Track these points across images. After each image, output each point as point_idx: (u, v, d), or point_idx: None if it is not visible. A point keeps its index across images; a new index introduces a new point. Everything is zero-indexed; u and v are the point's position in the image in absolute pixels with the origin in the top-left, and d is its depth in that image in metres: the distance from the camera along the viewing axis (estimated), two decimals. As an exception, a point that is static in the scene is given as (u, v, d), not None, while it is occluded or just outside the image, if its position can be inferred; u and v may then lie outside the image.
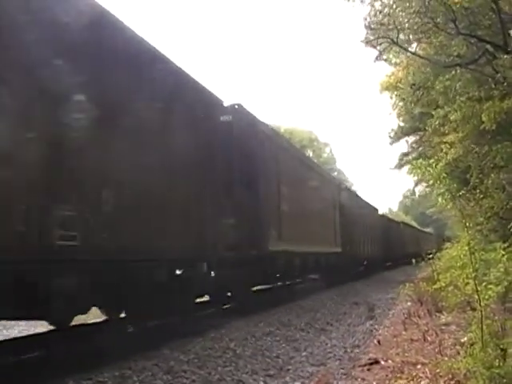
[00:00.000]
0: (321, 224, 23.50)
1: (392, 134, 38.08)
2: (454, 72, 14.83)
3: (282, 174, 17.66)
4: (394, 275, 36.52)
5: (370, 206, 43.73)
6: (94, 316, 12.61)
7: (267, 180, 16.05)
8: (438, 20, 13.38)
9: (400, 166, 42.83)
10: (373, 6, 15.16)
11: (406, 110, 28.35)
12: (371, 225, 39.20)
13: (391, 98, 28.14)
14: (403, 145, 39.96)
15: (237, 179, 14.23)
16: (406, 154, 39.90)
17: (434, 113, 18.28)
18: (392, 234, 49.98)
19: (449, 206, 10.27)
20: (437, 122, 18.14)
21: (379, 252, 41.03)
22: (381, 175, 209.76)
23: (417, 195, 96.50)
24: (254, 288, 17.22)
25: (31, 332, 11.76)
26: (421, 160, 8.96)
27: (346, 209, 30.27)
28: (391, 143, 38.90)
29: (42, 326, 10.77)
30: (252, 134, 15.13)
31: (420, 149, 33.17)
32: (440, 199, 10.07)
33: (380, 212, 54.13)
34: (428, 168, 8.41)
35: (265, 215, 15.68)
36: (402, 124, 35.83)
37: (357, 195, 41.87)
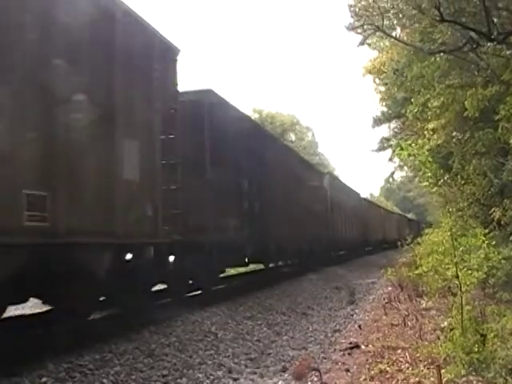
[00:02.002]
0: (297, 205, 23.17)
1: (376, 119, 38.14)
2: (432, 59, 14.83)
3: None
4: (374, 260, 36.75)
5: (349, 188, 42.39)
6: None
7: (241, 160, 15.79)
8: (423, 6, 13.35)
9: (381, 148, 42.92)
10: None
11: (389, 95, 28.39)
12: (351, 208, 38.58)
13: (374, 81, 28.16)
14: (385, 130, 40.04)
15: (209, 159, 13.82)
16: (387, 139, 39.97)
17: (413, 100, 18.31)
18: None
19: (433, 190, 10.31)
20: (416, 110, 18.16)
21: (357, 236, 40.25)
22: (363, 160, 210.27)
23: (398, 181, 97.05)
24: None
25: (11, 314, 11.68)
26: (408, 142, 8.97)
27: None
28: (373, 127, 38.97)
29: (22, 309, 10.71)
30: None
31: (401, 135, 33.23)
32: (425, 183, 10.11)
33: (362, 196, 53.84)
34: (415, 151, 8.43)
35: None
36: (384, 109, 35.89)
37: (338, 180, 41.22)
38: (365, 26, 16.02)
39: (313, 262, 25.44)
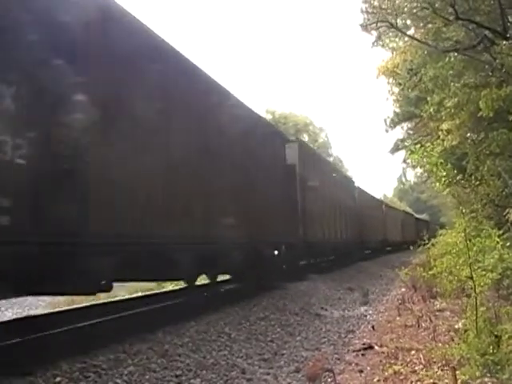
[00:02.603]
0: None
1: (388, 121, 37.97)
2: (447, 59, 14.78)
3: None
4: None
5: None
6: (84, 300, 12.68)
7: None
8: (437, 5, 13.31)
9: (396, 149, 42.77)
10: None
11: (403, 96, 28.29)
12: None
13: (388, 83, 28.05)
14: (399, 131, 39.87)
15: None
16: (401, 140, 39.83)
17: (428, 99, 18.24)
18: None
19: (445, 192, 10.25)
20: (431, 109, 18.11)
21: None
22: (376, 161, 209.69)
23: (412, 181, 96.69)
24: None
25: (25, 314, 11.76)
26: (418, 146, 8.94)
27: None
28: (387, 130, 38.79)
29: (36, 309, 10.76)
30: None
31: (416, 136, 33.09)
32: (438, 185, 10.07)
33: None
34: (425, 154, 8.41)
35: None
36: (397, 110, 35.74)
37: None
38: (379, 24, 15.98)
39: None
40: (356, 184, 38.17)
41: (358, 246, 34.29)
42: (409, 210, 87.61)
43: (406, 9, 14.74)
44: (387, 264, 32.59)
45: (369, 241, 38.21)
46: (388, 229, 47.31)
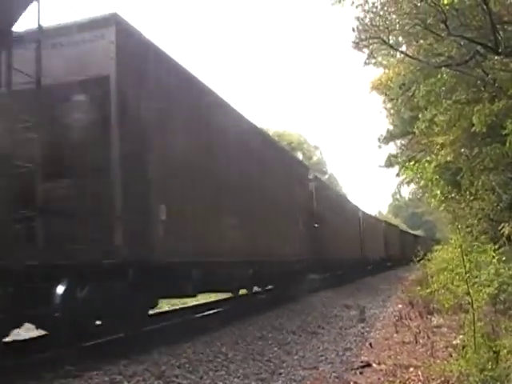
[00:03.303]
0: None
1: (381, 139, 38.15)
2: (439, 75, 14.85)
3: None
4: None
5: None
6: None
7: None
8: (429, 21, 13.38)
9: (389, 165, 42.90)
10: (363, 7, 15.14)
11: (396, 112, 28.40)
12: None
13: (381, 96, 28.19)
14: (392, 147, 40.01)
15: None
16: (394, 156, 39.94)
17: (420, 116, 18.32)
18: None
19: (441, 208, 10.23)
20: (423, 126, 18.20)
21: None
22: (371, 178, 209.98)
23: (406, 197, 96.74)
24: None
25: (25, 337, 11.65)
26: (412, 162, 8.95)
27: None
28: (380, 146, 38.96)
29: (33, 331, 10.66)
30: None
31: (409, 152, 33.19)
32: (433, 201, 10.09)
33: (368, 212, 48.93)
34: (419, 170, 8.41)
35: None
36: (391, 127, 35.91)
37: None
38: (371, 41, 16.05)
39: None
40: (360, 208, 41.40)
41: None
42: (404, 226, 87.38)
43: (397, 26, 14.81)
44: (384, 280, 33.80)
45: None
46: (366, 242, 39.68)
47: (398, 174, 42.25)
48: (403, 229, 74.18)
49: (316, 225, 23.36)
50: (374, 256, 42.27)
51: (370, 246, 40.18)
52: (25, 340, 10.01)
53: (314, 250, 22.11)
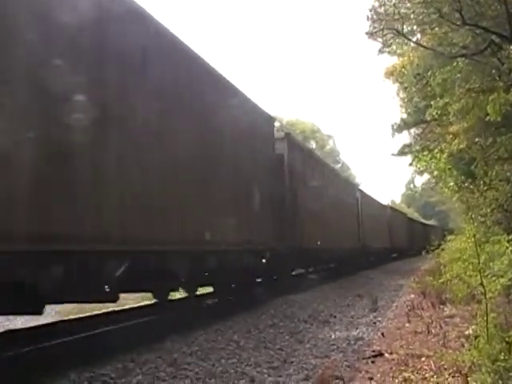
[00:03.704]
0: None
1: (395, 127, 37.86)
2: (454, 64, 14.75)
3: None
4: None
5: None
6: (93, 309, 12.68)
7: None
8: (444, 10, 13.28)
9: (402, 153, 42.55)
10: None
11: (410, 101, 28.24)
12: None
13: (395, 84, 28.01)
14: (406, 136, 39.73)
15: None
16: (408, 145, 39.68)
17: (432, 103, 18.21)
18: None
19: (454, 198, 10.20)
20: (435, 112, 18.11)
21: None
22: (385, 168, 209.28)
23: (419, 187, 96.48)
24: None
25: (34, 324, 11.73)
26: (425, 152, 8.92)
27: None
28: (393, 135, 38.63)
29: (44, 318, 10.73)
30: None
31: (423, 141, 33.02)
32: (446, 190, 10.05)
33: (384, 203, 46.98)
34: (432, 160, 8.37)
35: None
36: (404, 116, 35.68)
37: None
38: (385, 31, 15.96)
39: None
40: (359, 187, 37.12)
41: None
42: (416, 215, 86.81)
43: (412, 15, 14.70)
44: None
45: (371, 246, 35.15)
46: (366, 231, 34.09)
47: (411, 164, 41.94)
48: (412, 217, 70.00)
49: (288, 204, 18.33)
50: (375, 246, 37.21)
51: (370, 235, 35.00)
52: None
53: (284, 237, 17.30)
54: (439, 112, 17.93)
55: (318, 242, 21.96)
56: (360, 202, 34.05)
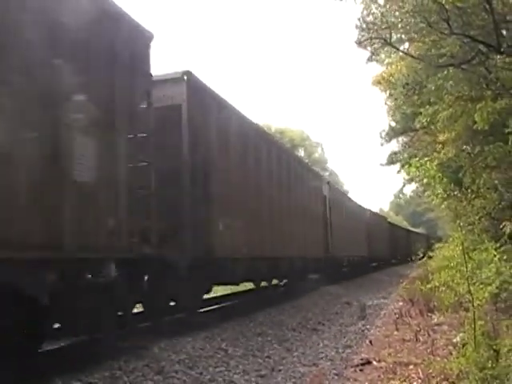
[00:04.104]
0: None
1: (383, 135, 37.91)
2: (446, 71, 14.82)
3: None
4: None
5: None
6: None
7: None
8: (432, 19, 13.34)
9: (390, 162, 42.57)
10: (366, 5, 15.11)
11: (398, 109, 28.32)
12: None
13: (383, 92, 28.06)
14: (394, 145, 39.83)
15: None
16: (396, 153, 39.74)
17: (422, 110, 18.28)
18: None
19: (443, 206, 10.22)
20: (424, 120, 18.18)
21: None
22: (372, 176, 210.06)
23: (408, 195, 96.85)
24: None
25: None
26: (416, 159, 8.96)
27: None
28: (382, 144, 38.67)
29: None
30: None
31: (411, 149, 33.08)
32: (435, 198, 10.08)
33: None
34: (422, 167, 8.41)
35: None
36: (393, 124, 35.76)
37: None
38: (373, 40, 16.01)
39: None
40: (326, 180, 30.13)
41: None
42: (405, 223, 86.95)
43: (400, 24, 14.76)
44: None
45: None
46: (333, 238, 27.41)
47: (399, 171, 41.91)
48: (393, 222, 64.77)
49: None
50: (349, 255, 31.32)
51: (342, 241, 28.87)
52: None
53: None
54: (428, 120, 18.00)
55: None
56: (329, 199, 27.56)
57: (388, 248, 48.12)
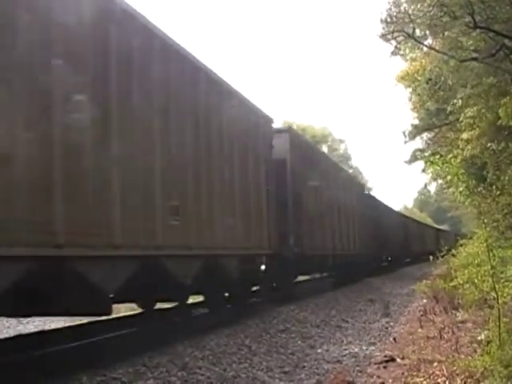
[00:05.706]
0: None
1: (407, 132, 37.63)
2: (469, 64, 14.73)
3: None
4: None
5: None
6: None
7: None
8: (456, 13, 13.25)
9: (414, 159, 42.21)
10: (389, -1, 15.08)
11: (422, 105, 28.14)
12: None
13: (406, 88, 27.89)
14: (418, 142, 39.51)
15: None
16: (420, 150, 39.43)
17: (450, 104, 18.17)
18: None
19: (466, 203, 10.14)
20: (452, 114, 18.06)
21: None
22: (396, 173, 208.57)
23: (432, 192, 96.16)
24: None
25: (46, 328, 11.78)
26: (438, 156, 8.91)
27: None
28: (406, 142, 38.35)
29: (56, 322, 10.79)
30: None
31: (435, 146, 32.83)
32: (458, 196, 10.00)
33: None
34: (445, 164, 8.37)
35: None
36: (416, 122, 35.50)
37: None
38: (395, 34, 15.93)
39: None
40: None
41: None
42: (429, 220, 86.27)
43: (423, 18, 14.67)
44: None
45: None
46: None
47: (423, 170, 41.54)
48: (405, 213, 60.02)
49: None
50: (324, 252, 21.56)
51: (317, 233, 20.54)
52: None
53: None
54: (456, 112, 17.91)
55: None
56: (290, 164, 17.67)
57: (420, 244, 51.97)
